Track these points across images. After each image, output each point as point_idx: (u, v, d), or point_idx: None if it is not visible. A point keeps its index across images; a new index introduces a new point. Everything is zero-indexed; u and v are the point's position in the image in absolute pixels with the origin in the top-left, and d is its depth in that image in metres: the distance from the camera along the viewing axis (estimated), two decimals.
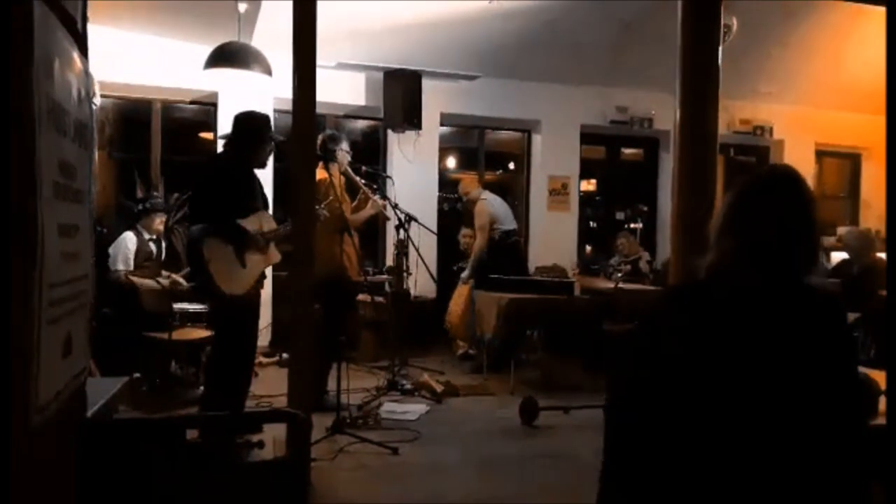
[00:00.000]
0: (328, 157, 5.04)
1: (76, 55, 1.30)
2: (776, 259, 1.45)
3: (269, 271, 6.26)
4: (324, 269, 5.00)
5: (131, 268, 5.55)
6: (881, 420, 2.08)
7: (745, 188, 1.53)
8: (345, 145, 5.27)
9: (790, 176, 1.53)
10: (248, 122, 4.22)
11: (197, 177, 4.26)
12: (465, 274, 7.02)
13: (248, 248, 4.02)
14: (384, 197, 5.62)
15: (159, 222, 5.79)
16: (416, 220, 6.00)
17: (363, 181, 5.42)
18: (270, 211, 4.54)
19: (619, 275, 6.94)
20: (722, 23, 3.61)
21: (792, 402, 1.39)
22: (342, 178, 5.28)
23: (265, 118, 4.30)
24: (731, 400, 1.39)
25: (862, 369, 2.23)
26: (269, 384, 5.38)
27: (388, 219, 6.04)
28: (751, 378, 1.39)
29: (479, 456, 4.36)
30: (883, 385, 2.22)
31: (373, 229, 7.65)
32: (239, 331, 4.09)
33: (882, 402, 2.19)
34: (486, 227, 6.92)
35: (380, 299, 6.69)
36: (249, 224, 4.05)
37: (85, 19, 1.41)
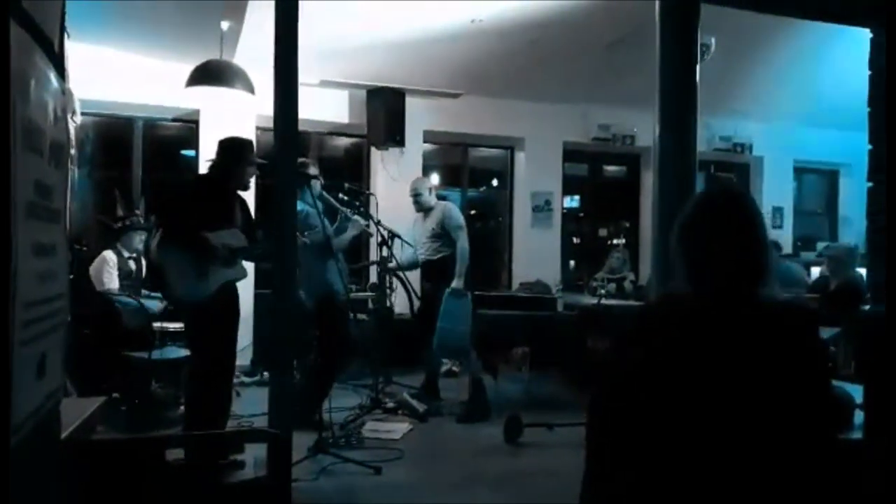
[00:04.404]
0: (300, 191, 5.01)
1: (53, 76, 1.30)
2: (725, 276, 1.48)
3: (250, 289, 6.27)
4: (314, 295, 5.05)
5: (116, 286, 5.52)
6: (857, 434, 2.10)
7: (687, 210, 1.56)
8: (313, 170, 5.20)
9: (725, 194, 1.57)
10: (232, 146, 4.35)
11: (174, 190, 4.33)
12: (458, 284, 5.73)
13: (208, 257, 4.07)
14: (367, 215, 5.62)
15: (139, 241, 5.76)
16: (399, 238, 6.01)
17: (345, 198, 5.42)
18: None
19: (603, 291, 6.97)
20: (700, 42, 3.66)
21: (755, 415, 1.41)
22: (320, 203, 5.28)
23: (247, 142, 4.41)
24: (695, 417, 1.41)
25: (839, 383, 2.26)
26: (251, 404, 5.34)
27: (371, 234, 6.03)
28: (712, 393, 1.41)
29: (463, 474, 4.34)
30: (859, 399, 2.25)
31: (356, 247, 7.65)
32: (213, 346, 4.10)
33: (857, 416, 2.21)
34: (465, 226, 5.98)
35: (362, 317, 6.67)
36: (216, 238, 4.11)
37: (62, 40, 1.42)
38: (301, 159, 5.39)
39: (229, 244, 4.17)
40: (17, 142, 1.06)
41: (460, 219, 5.98)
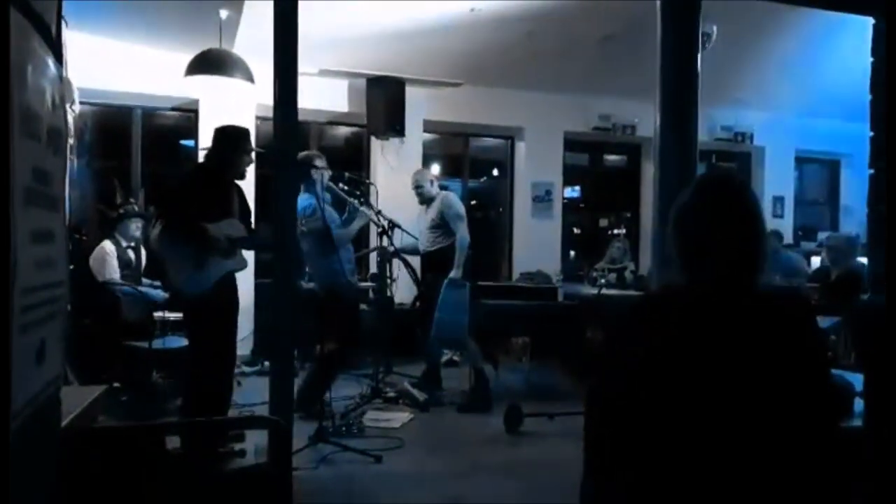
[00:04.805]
0: (308, 183, 5.03)
1: (51, 62, 1.29)
2: (723, 265, 1.46)
3: (250, 279, 6.27)
4: (324, 289, 5.08)
5: (118, 276, 5.51)
6: (857, 422, 2.10)
7: (681, 200, 1.55)
8: (319, 162, 5.18)
9: (723, 182, 1.55)
10: (227, 134, 4.31)
11: (170, 182, 4.32)
12: (456, 274, 5.65)
13: (208, 248, 4.05)
14: (368, 204, 5.63)
15: (135, 228, 5.75)
16: (399, 227, 6.01)
17: (345, 187, 5.43)
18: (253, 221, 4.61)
19: (603, 281, 6.96)
20: (701, 31, 3.64)
21: (755, 404, 1.40)
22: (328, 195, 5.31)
23: (244, 131, 4.38)
24: (695, 407, 1.41)
25: (839, 372, 2.26)
26: (252, 393, 5.35)
27: (378, 224, 6.05)
28: (711, 383, 1.41)
29: (463, 464, 4.35)
30: (859, 387, 2.25)
31: (357, 237, 7.65)
32: (213, 337, 4.10)
33: (857, 405, 2.21)
34: (465, 216, 5.91)
35: (363, 307, 6.68)
36: (216, 229, 4.09)
37: (60, 26, 1.41)
38: (308, 152, 5.38)
39: (229, 235, 4.15)
40: (15, 127, 1.06)
41: (460, 208, 5.91)
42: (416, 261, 6.50)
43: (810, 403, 1.44)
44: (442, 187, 6.35)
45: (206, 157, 4.37)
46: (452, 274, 5.65)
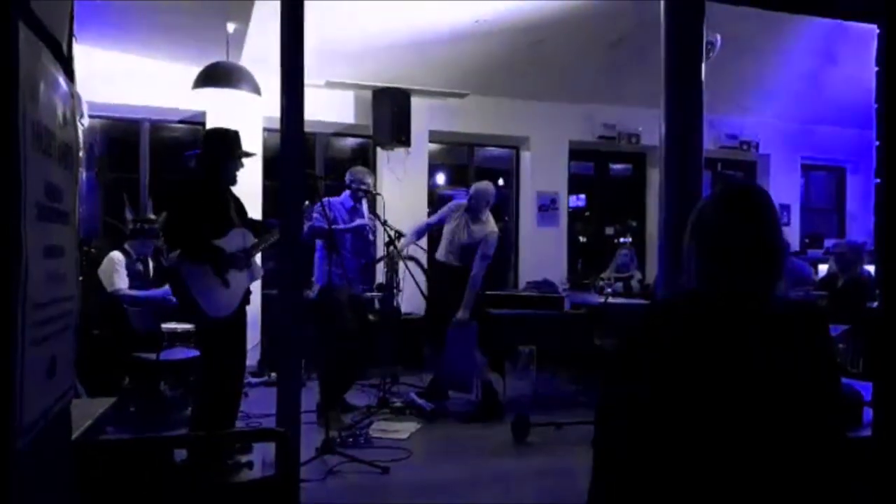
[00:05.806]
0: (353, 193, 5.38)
1: (61, 78, 1.31)
2: (740, 276, 1.47)
3: (258, 290, 6.29)
4: (322, 290, 5.13)
5: (126, 285, 5.51)
6: (866, 432, 2.09)
7: (702, 208, 1.55)
8: (369, 179, 5.56)
9: (744, 192, 1.55)
10: (218, 137, 4.22)
11: (170, 199, 4.29)
12: (463, 315, 5.61)
13: (228, 267, 4.02)
14: (374, 214, 5.66)
15: (149, 245, 5.76)
16: (404, 237, 6.02)
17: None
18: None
19: (610, 290, 6.95)
20: (706, 39, 3.65)
21: (767, 414, 1.40)
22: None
23: (234, 133, 4.24)
24: (706, 416, 1.41)
25: (847, 381, 2.25)
26: (258, 404, 5.35)
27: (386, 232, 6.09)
28: (723, 392, 1.41)
29: (470, 474, 4.35)
30: (868, 396, 2.24)
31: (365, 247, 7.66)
32: (225, 350, 4.07)
33: (867, 414, 2.20)
34: (491, 259, 5.75)
35: (370, 317, 6.70)
36: (227, 243, 4.05)
37: (71, 42, 1.42)
38: (361, 168, 5.62)
39: (243, 247, 4.12)
40: (27, 144, 1.07)
41: (492, 252, 5.71)
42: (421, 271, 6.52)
43: (822, 413, 1.44)
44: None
45: (198, 161, 4.28)
46: (460, 315, 5.59)
